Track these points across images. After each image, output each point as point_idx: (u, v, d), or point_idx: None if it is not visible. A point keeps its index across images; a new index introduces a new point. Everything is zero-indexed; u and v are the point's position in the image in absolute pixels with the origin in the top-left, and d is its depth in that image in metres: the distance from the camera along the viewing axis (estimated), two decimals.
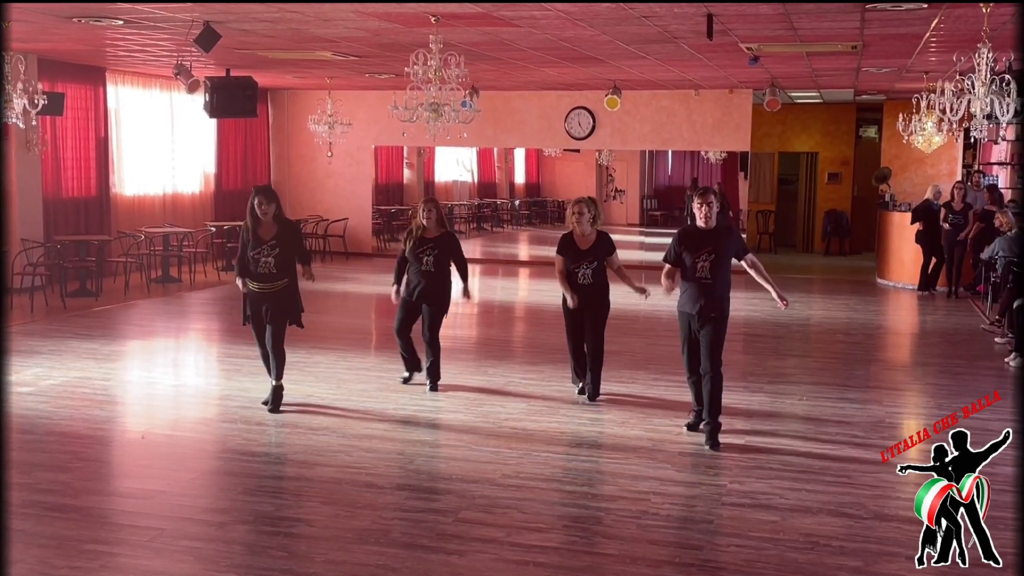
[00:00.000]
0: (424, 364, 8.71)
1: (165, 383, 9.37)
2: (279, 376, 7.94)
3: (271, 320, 7.84)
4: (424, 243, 8.49)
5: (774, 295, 7.24)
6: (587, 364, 8.34)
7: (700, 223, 7.11)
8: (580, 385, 8.50)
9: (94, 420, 7.76)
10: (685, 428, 7.51)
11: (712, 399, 7.13)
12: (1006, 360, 10.19)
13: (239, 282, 7.89)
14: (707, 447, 7.07)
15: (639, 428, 7.61)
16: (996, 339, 11.32)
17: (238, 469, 6.76)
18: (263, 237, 7.69)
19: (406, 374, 8.89)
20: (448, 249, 8.56)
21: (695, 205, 7.13)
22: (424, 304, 8.55)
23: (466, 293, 8.75)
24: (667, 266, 7.33)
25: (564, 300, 8.24)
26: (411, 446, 7.24)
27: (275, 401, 7.93)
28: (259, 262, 7.67)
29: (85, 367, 9.48)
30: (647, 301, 8.42)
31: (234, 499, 6.15)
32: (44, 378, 8.92)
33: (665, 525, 5.73)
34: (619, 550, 5.35)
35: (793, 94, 19.33)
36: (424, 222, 8.54)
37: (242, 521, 5.70)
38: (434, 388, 8.63)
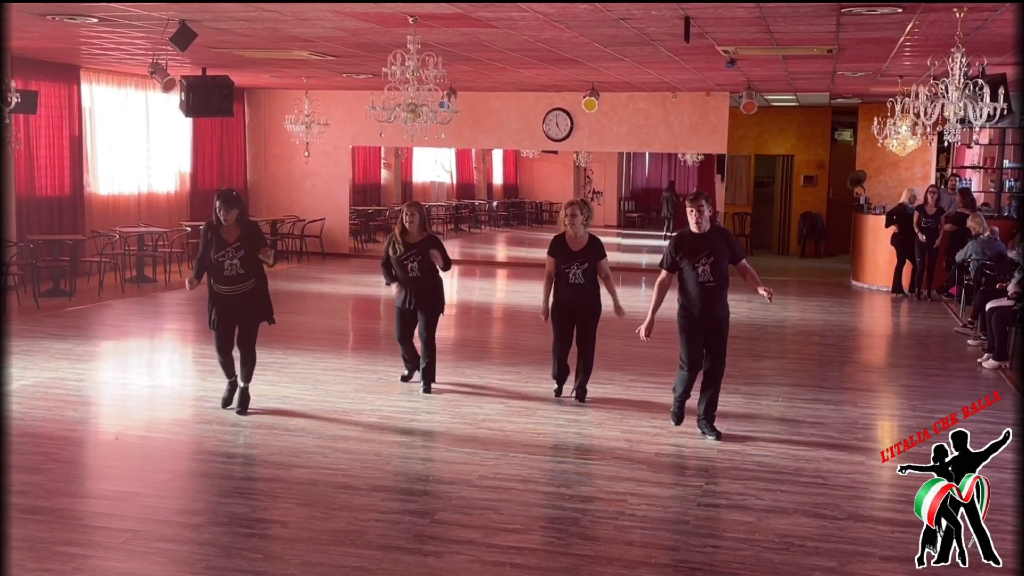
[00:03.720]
0: (421, 364, 8.73)
1: (139, 384, 9.31)
2: (248, 378, 7.87)
3: (243, 322, 7.77)
4: (408, 249, 8.43)
5: (761, 291, 7.26)
6: (578, 366, 8.38)
7: (693, 228, 7.13)
8: (560, 390, 8.52)
9: (67, 421, 7.69)
10: (673, 421, 7.58)
11: (712, 402, 7.40)
12: (979, 361, 10.29)
13: (188, 282, 7.76)
14: (713, 439, 7.31)
15: (616, 429, 7.62)
16: (969, 341, 11.42)
17: (213, 470, 6.73)
18: (227, 240, 7.60)
19: (405, 372, 8.94)
20: (433, 251, 8.50)
21: (687, 211, 7.14)
22: (419, 310, 8.55)
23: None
24: (663, 272, 7.35)
25: (553, 305, 8.21)
26: (388, 447, 7.22)
27: (243, 403, 7.85)
28: (224, 265, 7.57)
29: (58, 367, 9.40)
30: (625, 302, 8.43)
31: (209, 501, 6.12)
32: (17, 379, 8.82)
33: (641, 526, 5.74)
34: (595, 551, 5.36)
35: (769, 97, 19.44)
36: (407, 226, 8.45)
37: (217, 523, 5.66)
38: (427, 389, 8.63)
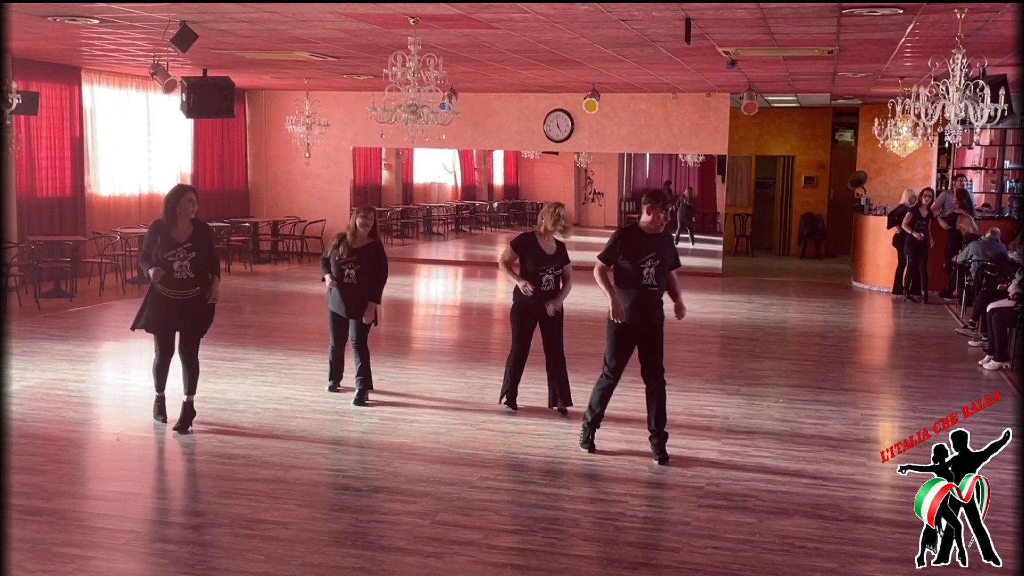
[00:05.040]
0: (355, 369, 8.36)
1: (140, 385, 9.28)
2: (192, 390, 7.46)
3: (187, 330, 7.36)
4: (351, 254, 8.08)
5: (676, 304, 6.96)
6: (552, 371, 8.05)
7: (648, 228, 6.76)
8: (508, 399, 8.16)
9: (68, 422, 7.70)
10: (582, 447, 7.03)
11: (662, 409, 6.90)
12: (980, 363, 10.29)
13: (150, 271, 7.11)
14: (657, 462, 6.81)
15: (616, 430, 7.61)
16: (970, 342, 11.42)
17: (214, 471, 6.73)
18: (178, 239, 7.15)
19: (329, 383, 8.61)
20: (372, 261, 8.16)
21: (653, 209, 6.72)
22: (351, 318, 8.22)
23: (369, 312, 8.16)
24: (600, 264, 6.79)
25: (514, 308, 7.91)
26: (388, 448, 7.22)
27: (185, 419, 7.40)
28: (174, 266, 7.13)
29: (59, 368, 9.40)
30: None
31: (210, 502, 6.12)
32: (17, 380, 8.83)
33: (642, 527, 5.74)
34: (596, 552, 5.36)
35: (770, 98, 19.44)
36: (359, 229, 8.09)
37: (218, 524, 5.67)
38: (360, 400, 8.24)
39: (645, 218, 6.82)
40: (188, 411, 7.46)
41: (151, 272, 7.13)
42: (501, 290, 17.01)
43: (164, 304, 7.26)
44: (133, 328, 7.45)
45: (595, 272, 6.82)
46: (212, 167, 18.75)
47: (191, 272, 7.21)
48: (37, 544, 5.26)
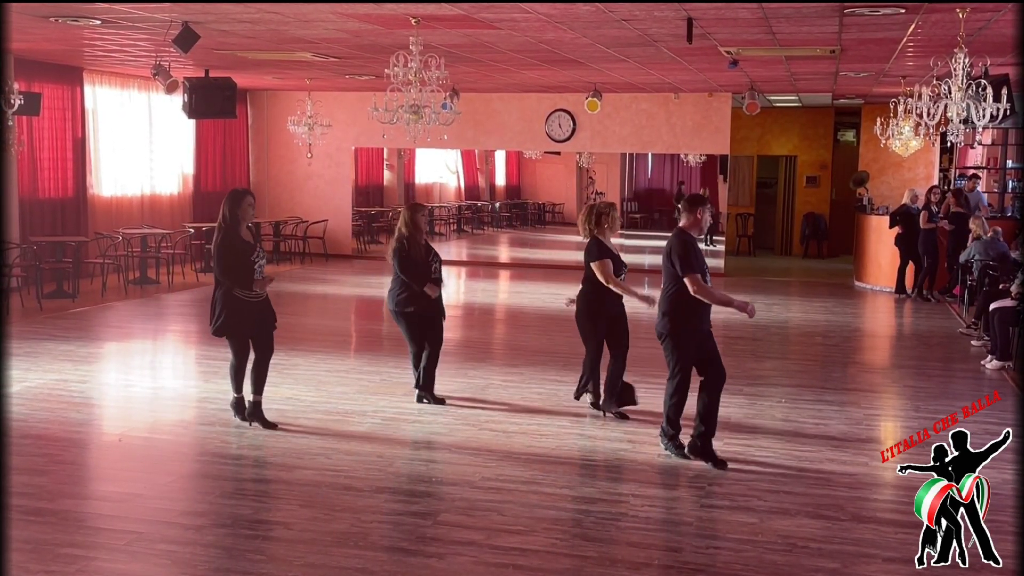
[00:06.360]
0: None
1: (142, 385, 9.32)
2: (261, 390, 7.60)
3: (268, 330, 7.51)
4: (431, 249, 8.30)
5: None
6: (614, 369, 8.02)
7: (699, 232, 6.79)
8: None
9: (70, 423, 7.70)
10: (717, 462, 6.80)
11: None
12: (983, 363, 10.28)
13: (266, 280, 7.33)
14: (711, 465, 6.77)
15: (619, 431, 7.61)
16: (973, 342, 11.41)
17: (216, 472, 6.73)
18: (250, 241, 7.37)
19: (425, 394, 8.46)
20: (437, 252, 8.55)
21: (704, 212, 6.73)
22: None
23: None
24: (697, 275, 6.61)
25: (589, 312, 7.84)
26: (390, 448, 7.22)
27: (261, 416, 7.55)
28: (255, 268, 7.32)
29: (61, 369, 9.40)
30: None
31: (212, 502, 6.12)
32: (20, 381, 8.83)
33: (645, 527, 5.74)
34: (599, 552, 5.36)
35: (772, 98, 19.43)
36: (424, 226, 8.23)
37: (220, 524, 5.67)
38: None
39: (692, 221, 6.73)
40: (259, 409, 7.55)
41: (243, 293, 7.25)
42: (503, 290, 17.01)
43: (245, 307, 7.34)
44: (219, 334, 7.44)
45: (701, 291, 6.60)
46: (214, 168, 18.76)
47: (262, 272, 7.41)
48: (39, 545, 5.26)
